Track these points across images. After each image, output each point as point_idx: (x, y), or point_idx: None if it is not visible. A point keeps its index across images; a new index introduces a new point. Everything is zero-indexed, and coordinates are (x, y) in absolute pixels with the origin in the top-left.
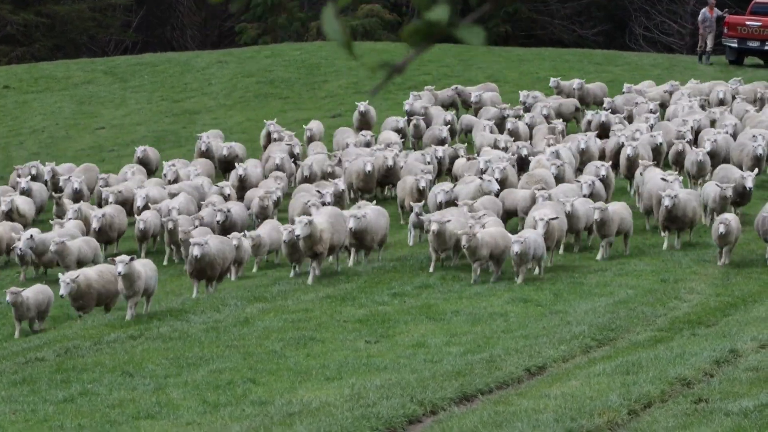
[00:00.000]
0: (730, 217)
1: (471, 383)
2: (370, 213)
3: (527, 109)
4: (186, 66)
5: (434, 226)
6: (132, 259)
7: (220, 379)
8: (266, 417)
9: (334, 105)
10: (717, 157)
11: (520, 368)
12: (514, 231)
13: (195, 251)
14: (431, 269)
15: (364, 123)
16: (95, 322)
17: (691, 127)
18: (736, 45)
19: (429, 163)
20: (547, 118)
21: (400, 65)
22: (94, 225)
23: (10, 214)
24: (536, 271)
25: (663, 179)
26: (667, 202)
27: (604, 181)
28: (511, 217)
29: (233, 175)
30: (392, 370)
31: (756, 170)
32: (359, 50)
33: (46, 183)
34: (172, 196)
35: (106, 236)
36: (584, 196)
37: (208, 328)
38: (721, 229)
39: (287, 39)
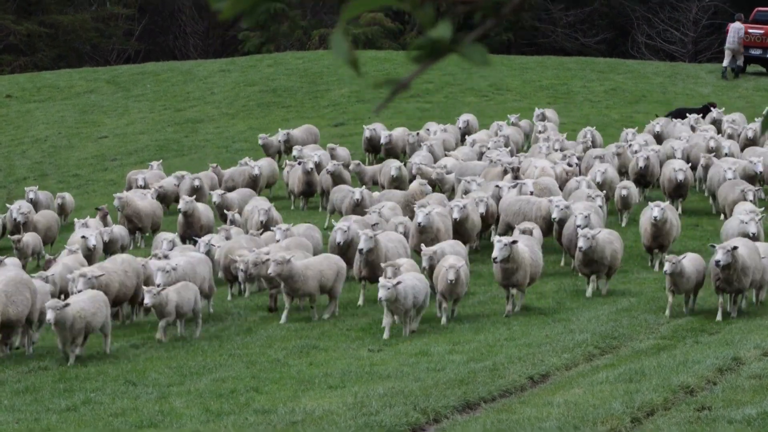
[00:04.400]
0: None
1: (474, 391)
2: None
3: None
4: (188, 75)
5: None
6: None
7: (223, 388)
8: (269, 426)
9: (337, 114)
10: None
11: (523, 376)
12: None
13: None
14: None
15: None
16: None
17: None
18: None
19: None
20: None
21: (404, 82)
22: None
23: None
24: (413, 324)
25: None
26: (582, 243)
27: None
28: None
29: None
30: (395, 378)
31: None
32: (361, 59)
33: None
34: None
35: None
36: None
37: (211, 336)
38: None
39: (290, 47)
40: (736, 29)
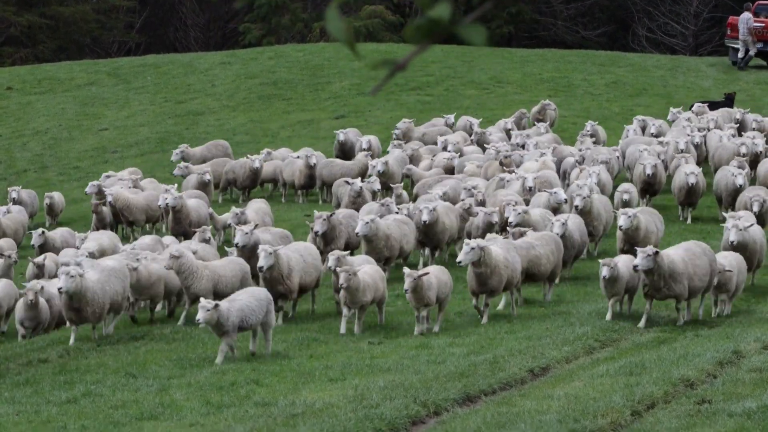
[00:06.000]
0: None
1: (474, 384)
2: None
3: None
4: (189, 67)
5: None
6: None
7: (223, 380)
8: (269, 418)
9: (338, 106)
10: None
11: (523, 369)
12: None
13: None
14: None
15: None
16: (99, 324)
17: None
18: (739, 46)
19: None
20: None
21: (402, 62)
22: None
23: None
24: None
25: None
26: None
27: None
28: None
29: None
30: (395, 371)
31: None
32: (362, 52)
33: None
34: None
35: None
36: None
37: None
38: (605, 272)
39: (290, 40)
40: (745, 19)
